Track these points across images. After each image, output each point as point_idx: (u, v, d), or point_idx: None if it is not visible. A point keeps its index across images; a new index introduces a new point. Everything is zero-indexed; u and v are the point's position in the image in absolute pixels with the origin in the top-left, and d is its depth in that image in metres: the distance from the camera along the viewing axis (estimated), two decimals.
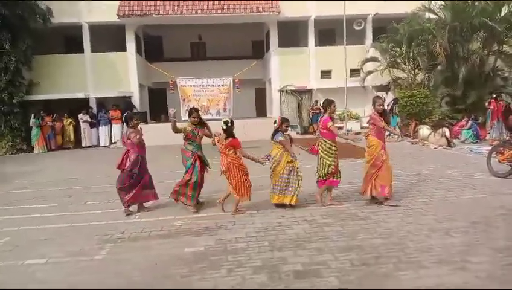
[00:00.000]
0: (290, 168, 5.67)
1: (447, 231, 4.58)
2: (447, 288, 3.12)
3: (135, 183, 5.88)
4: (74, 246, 4.62)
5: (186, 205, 5.96)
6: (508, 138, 10.46)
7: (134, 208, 6.07)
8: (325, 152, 5.74)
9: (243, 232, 4.88)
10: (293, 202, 5.72)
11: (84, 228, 5.36)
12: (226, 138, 5.58)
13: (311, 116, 18.25)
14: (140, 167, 5.93)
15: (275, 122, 5.76)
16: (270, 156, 5.82)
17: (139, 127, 6.20)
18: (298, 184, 5.70)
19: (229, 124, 5.58)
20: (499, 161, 7.63)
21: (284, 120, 5.83)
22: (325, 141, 5.76)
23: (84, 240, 4.84)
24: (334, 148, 5.75)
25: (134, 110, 17.98)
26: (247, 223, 5.24)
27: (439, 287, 3.27)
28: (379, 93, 18.73)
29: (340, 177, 5.90)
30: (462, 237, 4.40)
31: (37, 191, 8.06)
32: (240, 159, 5.64)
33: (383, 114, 5.80)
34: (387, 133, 14.31)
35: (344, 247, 4.23)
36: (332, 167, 5.73)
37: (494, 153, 7.93)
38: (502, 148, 7.89)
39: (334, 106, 5.89)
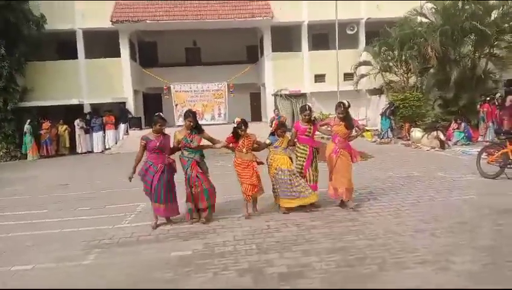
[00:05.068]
0: (287, 171, 5.61)
1: (432, 232, 4.62)
2: (446, 288, 3.15)
3: (149, 194, 5.35)
4: (62, 252, 4.62)
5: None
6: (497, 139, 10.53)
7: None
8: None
9: (231, 235, 4.89)
10: (312, 200, 5.68)
11: (72, 234, 5.36)
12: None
13: None
14: (147, 176, 5.26)
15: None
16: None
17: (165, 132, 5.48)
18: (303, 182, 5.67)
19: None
20: (488, 162, 7.69)
21: (281, 125, 5.88)
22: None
23: (72, 245, 4.84)
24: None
25: (129, 116, 18.04)
26: (235, 226, 5.26)
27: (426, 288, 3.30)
28: (369, 97, 18.89)
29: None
30: (447, 237, 4.43)
31: (28, 197, 8.04)
32: (256, 158, 5.67)
33: (345, 119, 5.73)
34: (382, 135, 14.71)
35: (330, 249, 4.26)
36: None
37: (484, 154, 7.99)
38: (491, 150, 7.96)
39: (304, 114, 5.88)
